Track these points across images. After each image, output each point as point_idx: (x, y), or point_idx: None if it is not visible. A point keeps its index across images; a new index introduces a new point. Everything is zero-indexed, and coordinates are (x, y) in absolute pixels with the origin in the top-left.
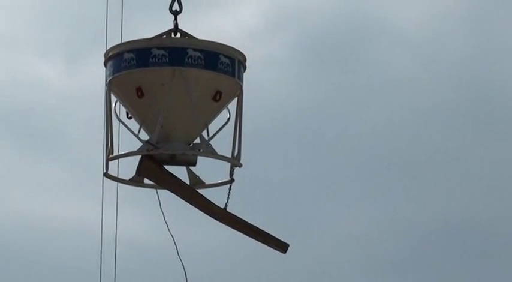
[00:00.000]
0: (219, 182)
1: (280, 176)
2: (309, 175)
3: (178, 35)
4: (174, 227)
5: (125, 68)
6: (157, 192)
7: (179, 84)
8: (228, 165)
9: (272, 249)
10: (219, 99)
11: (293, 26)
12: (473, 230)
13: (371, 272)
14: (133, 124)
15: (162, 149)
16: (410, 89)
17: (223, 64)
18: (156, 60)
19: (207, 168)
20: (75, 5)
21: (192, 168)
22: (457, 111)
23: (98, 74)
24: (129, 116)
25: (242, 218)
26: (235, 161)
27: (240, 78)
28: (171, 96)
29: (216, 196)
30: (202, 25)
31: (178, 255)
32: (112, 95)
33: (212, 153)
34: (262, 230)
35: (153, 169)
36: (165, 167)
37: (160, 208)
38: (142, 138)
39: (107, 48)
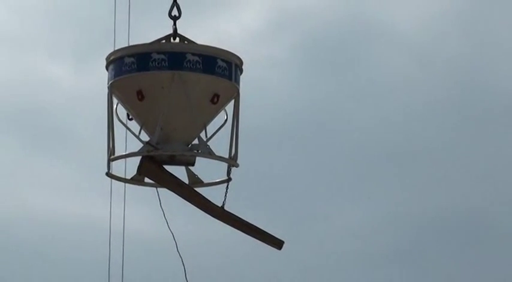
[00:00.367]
0: (217, 181)
1: (281, 172)
2: (309, 171)
3: (178, 39)
4: (175, 224)
5: (125, 71)
6: (157, 191)
7: (178, 87)
8: (225, 164)
9: (268, 246)
10: (216, 102)
11: (293, 28)
12: (467, 221)
13: (369, 263)
14: (135, 125)
15: (161, 150)
16: (407, 88)
17: (220, 68)
18: (156, 64)
19: (205, 168)
20: (85, 9)
21: (190, 167)
22: (452, 109)
23: (105, 75)
24: (130, 117)
25: (239, 216)
26: (232, 162)
27: (237, 81)
28: (171, 99)
29: (214, 194)
30: (207, 28)
31: (178, 250)
32: (114, 97)
33: (210, 154)
34: (258, 228)
35: (153, 169)
36: (165, 166)
37: (160, 206)
38: (143, 139)
39: (109, 53)
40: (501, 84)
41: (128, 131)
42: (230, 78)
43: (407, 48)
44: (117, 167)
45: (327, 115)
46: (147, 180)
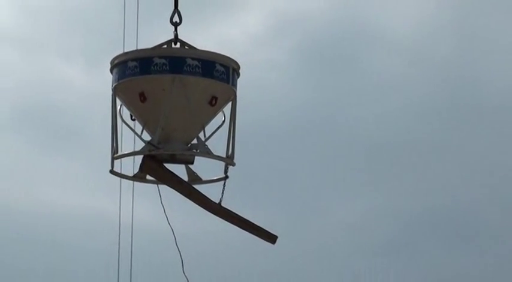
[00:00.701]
0: (215, 178)
1: (279, 169)
2: (307, 168)
3: (178, 45)
4: (179, 219)
5: (129, 75)
6: (158, 188)
7: (178, 90)
8: (223, 163)
9: (262, 240)
10: (214, 104)
11: (292, 32)
12: (457, 215)
13: (365, 255)
14: (137, 125)
15: (162, 149)
16: (402, 88)
17: (218, 72)
18: (158, 68)
19: (204, 166)
20: (96, 14)
21: (190, 166)
22: (444, 107)
23: None
24: (133, 118)
25: (235, 212)
26: (229, 160)
27: (234, 85)
28: (171, 101)
29: (213, 191)
30: (210, 31)
31: (176, 245)
32: (117, 99)
33: (208, 153)
34: (253, 223)
35: (154, 167)
36: (166, 165)
37: (161, 202)
38: (144, 139)
39: (113, 57)
40: (492, 83)
41: (131, 131)
42: (228, 82)
43: (401, 49)
44: (126, 165)
45: (324, 115)
46: (149, 177)
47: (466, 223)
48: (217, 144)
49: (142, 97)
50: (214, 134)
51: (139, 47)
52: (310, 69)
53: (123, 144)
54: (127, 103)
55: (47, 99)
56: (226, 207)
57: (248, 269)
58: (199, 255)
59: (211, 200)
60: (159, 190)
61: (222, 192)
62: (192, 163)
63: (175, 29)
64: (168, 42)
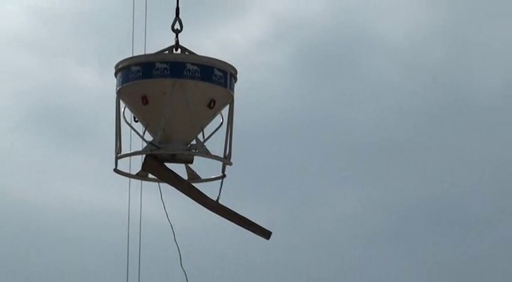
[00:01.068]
0: (213, 177)
1: (279, 167)
2: (304, 165)
3: (179, 51)
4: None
5: (132, 79)
6: (159, 186)
7: (179, 93)
8: (221, 162)
9: (257, 235)
10: (213, 107)
11: (292, 37)
12: (446, 206)
13: (363, 244)
14: (140, 127)
15: (163, 149)
16: (395, 90)
17: (217, 76)
18: (159, 72)
19: (203, 165)
20: (108, 20)
21: (189, 165)
22: (436, 107)
23: None
24: (136, 119)
25: (234, 209)
26: (226, 161)
27: (232, 89)
28: (172, 104)
29: (213, 189)
30: (213, 35)
31: (175, 240)
32: (121, 101)
33: (206, 153)
34: (248, 220)
35: (155, 166)
36: (166, 164)
37: (161, 199)
38: (146, 139)
39: (117, 62)
40: (483, 86)
41: (133, 132)
42: (225, 86)
43: (397, 53)
44: (135, 163)
45: (321, 116)
46: (150, 176)
47: (457, 214)
48: (217, 144)
49: (145, 100)
50: (214, 135)
51: (148, 51)
52: (309, 72)
53: (128, 144)
54: (130, 106)
55: (62, 100)
56: (228, 202)
57: (246, 260)
58: (201, 249)
59: (209, 198)
60: (159, 188)
61: (220, 190)
62: (191, 162)
63: (177, 36)
64: (170, 48)
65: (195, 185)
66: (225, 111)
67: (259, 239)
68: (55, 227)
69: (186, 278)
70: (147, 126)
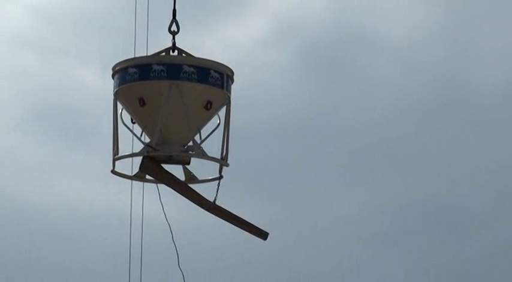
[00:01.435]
0: (210, 178)
1: (279, 166)
2: (306, 165)
3: (176, 52)
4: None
5: (129, 80)
6: (157, 187)
7: (175, 95)
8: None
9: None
10: (209, 108)
11: (294, 36)
12: (446, 207)
13: (360, 245)
14: (137, 128)
15: (160, 151)
16: (395, 89)
17: (213, 78)
18: (156, 74)
19: (201, 166)
20: (111, 20)
21: (187, 166)
22: (435, 106)
23: None
24: (133, 121)
25: (229, 210)
26: (223, 162)
27: (228, 90)
28: (169, 106)
29: (210, 189)
30: (216, 34)
31: (173, 240)
32: (118, 103)
33: (203, 155)
34: (245, 221)
35: (152, 168)
36: (164, 165)
37: (160, 200)
38: (144, 141)
39: (114, 64)
40: (481, 85)
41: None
42: (222, 87)
43: (396, 52)
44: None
45: (323, 114)
46: (148, 177)
47: (456, 215)
48: (214, 145)
49: (142, 102)
50: (211, 136)
51: (150, 52)
52: (310, 72)
53: (129, 144)
54: (127, 107)
55: (64, 100)
56: (227, 202)
57: (243, 261)
58: (201, 249)
59: (206, 199)
60: (158, 189)
61: (217, 191)
62: (188, 164)
63: (173, 38)
64: (166, 50)
65: (192, 185)
66: (222, 112)
67: (256, 239)
68: (56, 226)
69: (184, 278)
70: (145, 128)
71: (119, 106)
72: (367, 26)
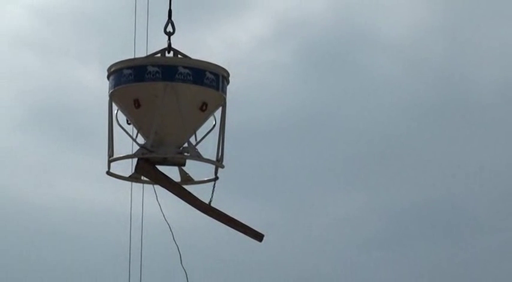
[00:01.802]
0: (205, 179)
1: (279, 165)
2: (306, 165)
3: (171, 54)
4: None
5: (124, 82)
6: (154, 187)
7: (170, 96)
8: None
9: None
10: (205, 110)
11: (295, 34)
12: (446, 209)
13: (357, 248)
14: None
15: (155, 152)
16: (396, 88)
17: (208, 79)
18: (151, 76)
19: (196, 167)
20: (110, 20)
21: (182, 167)
22: (435, 105)
23: None
24: (129, 122)
25: (224, 211)
26: (218, 163)
27: (224, 91)
28: (164, 107)
29: (208, 190)
30: (217, 33)
31: (174, 239)
32: (114, 104)
33: (198, 156)
34: (240, 222)
35: (147, 169)
36: (159, 167)
37: (157, 200)
38: (139, 142)
39: (109, 65)
40: (481, 83)
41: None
42: (217, 89)
43: (397, 51)
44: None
45: (323, 113)
46: (144, 178)
47: (453, 218)
48: (209, 146)
49: (137, 103)
50: (209, 137)
51: (150, 51)
52: (311, 70)
53: (129, 145)
54: (122, 109)
55: (64, 100)
56: (226, 202)
57: (241, 262)
58: (201, 248)
59: (201, 200)
60: (154, 190)
61: (212, 193)
62: (183, 165)
63: (169, 39)
64: (162, 51)
65: (188, 187)
66: (218, 113)
67: (254, 240)
68: (56, 226)
69: (187, 277)
70: (140, 129)
71: (114, 107)
72: (367, 25)
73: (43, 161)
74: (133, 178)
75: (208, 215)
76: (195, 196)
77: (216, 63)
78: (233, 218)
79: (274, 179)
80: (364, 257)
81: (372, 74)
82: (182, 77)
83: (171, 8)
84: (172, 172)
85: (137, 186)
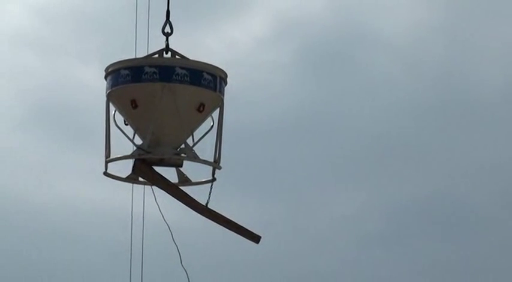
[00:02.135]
0: (203, 180)
1: (280, 165)
2: (307, 163)
3: (169, 54)
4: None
5: (121, 82)
6: (152, 188)
7: (168, 97)
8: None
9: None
10: (202, 110)
11: (294, 34)
12: (446, 206)
13: (357, 245)
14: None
15: (151, 153)
16: (396, 87)
17: (206, 80)
18: (148, 76)
19: (194, 168)
20: (111, 19)
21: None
22: (435, 104)
23: None
24: (127, 123)
25: (221, 213)
26: (215, 165)
27: (221, 92)
28: (161, 108)
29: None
30: (217, 33)
31: (173, 240)
32: (111, 105)
33: (195, 158)
34: (237, 224)
35: (144, 170)
36: (157, 167)
37: (156, 201)
38: (136, 143)
39: (107, 65)
40: (481, 83)
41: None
42: (215, 90)
43: (394, 52)
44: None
45: (323, 113)
46: (141, 179)
47: (454, 215)
48: (210, 147)
49: (134, 104)
50: (207, 137)
51: (151, 50)
52: (311, 70)
53: (122, 146)
54: (120, 109)
55: (64, 99)
56: (227, 202)
57: (240, 261)
58: (202, 248)
59: (198, 202)
60: (152, 190)
61: (209, 194)
62: (180, 166)
63: (167, 39)
64: (160, 52)
65: (185, 188)
66: (216, 114)
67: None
68: (56, 226)
69: (188, 277)
70: (137, 130)
71: (112, 108)
72: (367, 25)
73: (43, 160)
74: (131, 179)
75: (205, 216)
76: (192, 197)
77: (214, 64)
78: (230, 220)
79: (274, 179)
80: (363, 255)
81: (371, 73)
82: (179, 77)
83: (169, 9)
84: (170, 173)
85: (138, 185)
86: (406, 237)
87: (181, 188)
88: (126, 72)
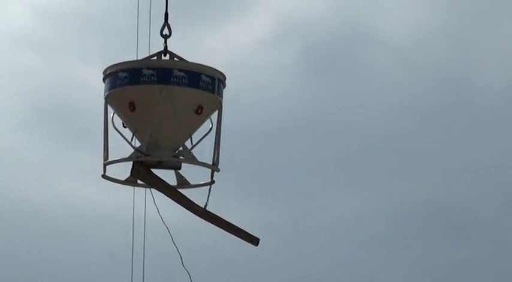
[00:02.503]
0: (201, 183)
1: (280, 166)
2: (308, 164)
3: (167, 56)
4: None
5: (119, 85)
6: (151, 191)
7: (166, 99)
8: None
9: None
10: (200, 113)
11: (296, 36)
12: (449, 209)
13: (358, 247)
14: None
15: (149, 156)
16: (397, 89)
17: (204, 82)
18: (146, 78)
19: (193, 170)
20: (112, 19)
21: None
22: (437, 106)
23: None
24: (125, 125)
25: (220, 215)
26: (213, 167)
27: (220, 94)
28: (159, 110)
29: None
30: (219, 35)
31: (173, 242)
32: (109, 107)
33: (193, 160)
34: (236, 226)
35: (143, 173)
36: (156, 170)
37: (155, 204)
38: (135, 145)
39: (105, 67)
40: (482, 85)
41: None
42: (213, 92)
43: (396, 52)
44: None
45: (325, 114)
46: (139, 181)
47: (454, 218)
48: (208, 149)
49: (132, 106)
50: (206, 140)
51: (152, 51)
52: (313, 72)
53: (120, 149)
54: (118, 112)
55: (65, 100)
56: (227, 203)
57: (240, 263)
58: (202, 249)
59: (196, 204)
60: (151, 192)
61: (208, 197)
62: (179, 168)
63: (165, 41)
64: (158, 54)
65: (184, 190)
66: (214, 117)
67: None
68: (56, 226)
69: (190, 278)
70: (135, 132)
71: (110, 110)
72: (369, 26)
73: (43, 160)
74: (129, 181)
75: (203, 218)
76: (190, 200)
77: (214, 66)
78: (229, 222)
79: (275, 179)
80: (364, 257)
81: (373, 75)
82: (177, 80)
83: (168, 11)
84: (169, 175)
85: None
86: (407, 240)
87: (180, 190)
88: (124, 74)
